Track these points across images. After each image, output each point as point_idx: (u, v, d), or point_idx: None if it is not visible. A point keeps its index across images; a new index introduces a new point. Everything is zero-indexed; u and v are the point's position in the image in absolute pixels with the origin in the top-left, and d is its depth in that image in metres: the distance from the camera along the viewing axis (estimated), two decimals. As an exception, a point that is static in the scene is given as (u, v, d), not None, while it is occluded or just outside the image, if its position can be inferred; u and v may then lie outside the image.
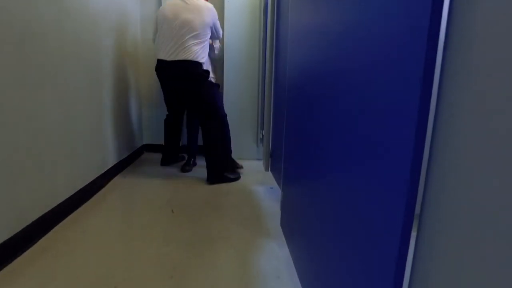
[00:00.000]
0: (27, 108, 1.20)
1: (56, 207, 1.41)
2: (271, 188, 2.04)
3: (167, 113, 2.38)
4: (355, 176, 0.62)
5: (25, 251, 1.19)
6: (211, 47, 2.37)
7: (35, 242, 1.25)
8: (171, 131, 2.39)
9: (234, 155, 2.77)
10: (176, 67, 2.03)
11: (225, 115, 2.24)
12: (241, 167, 2.44)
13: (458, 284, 0.37)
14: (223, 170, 2.12)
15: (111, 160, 2.10)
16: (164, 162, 2.49)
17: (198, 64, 2.05)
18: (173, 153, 2.49)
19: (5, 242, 1.09)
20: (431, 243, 0.43)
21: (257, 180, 2.19)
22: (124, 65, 2.35)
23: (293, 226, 1.21)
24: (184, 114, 2.46)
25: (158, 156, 2.74)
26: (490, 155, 0.33)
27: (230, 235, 1.40)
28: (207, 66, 2.36)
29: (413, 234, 0.45)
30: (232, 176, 2.16)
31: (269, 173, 2.31)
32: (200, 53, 2.05)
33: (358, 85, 0.61)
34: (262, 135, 2.29)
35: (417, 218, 0.45)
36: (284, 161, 1.40)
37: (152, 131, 2.91)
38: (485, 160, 0.34)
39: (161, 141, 2.95)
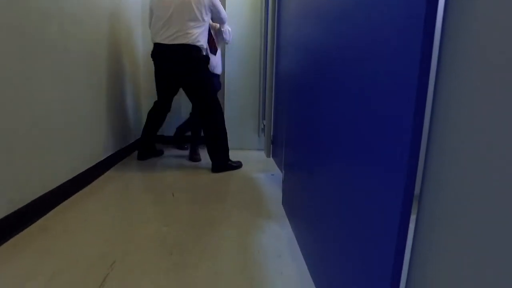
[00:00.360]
0: (28, 91, 1.19)
1: (55, 189, 1.40)
2: (272, 175, 2.02)
3: (156, 102, 2.23)
4: (354, 157, 0.61)
5: (23, 229, 1.17)
6: (220, 31, 2.29)
7: (34, 222, 1.24)
8: (153, 122, 2.22)
9: (235, 146, 2.77)
10: (175, 51, 1.97)
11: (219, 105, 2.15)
12: None
13: (459, 267, 0.36)
14: (228, 158, 2.10)
15: (112, 148, 2.09)
16: (141, 156, 2.30)
17: (198, 49, 1.99)
18: (151, 145, 2.33)
19: (2, 220, 1.08)
20: (430, 226, 0.41)
21: (259, 168, 2.17)
22: (124, 55, 2.34)
23: (294, 203, 1.21)
24: (170, 105, 2.27)
25: (158, 146, 2.73)
26: (490, 136, 0.32)
27: (231, 217, 1.38)
28: (218, 57, 2.30)
29: (413, 217, 0.44)
30: (235, 164, 2.14)
31: (270, 162, 2.30)
32: (200, 37, 1.98)
33: (356, 69, 0.60)
34: (264, 125, 2.30)
35: (416, 199, 0.44)
36: (286, 140, 1.38)
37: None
38: (485, 141, 0.32)
39: (161, 132, 2.94)
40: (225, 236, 1.20)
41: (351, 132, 0.62)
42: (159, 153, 2.48)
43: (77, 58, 1.58)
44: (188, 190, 1.71)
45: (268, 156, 2.00)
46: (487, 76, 0.32)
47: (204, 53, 2.06)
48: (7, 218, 1.10)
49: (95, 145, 1.83)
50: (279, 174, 2.00)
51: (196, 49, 1.98)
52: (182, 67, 2.01)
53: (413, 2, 0.41)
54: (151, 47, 2.08)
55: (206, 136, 2.06)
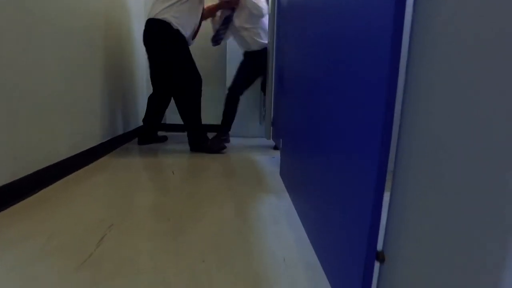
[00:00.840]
0: (30, 65, 1.21)
1: (57, 163, 1.42)
2: (273, 157, 2.03)
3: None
4: (337, 135, 0.64)
5: (25, 198, 1.19)
6: (244, 6, 2.17)
7: (36, 192, 1.26)
8: (152, 107, 2.21)
9: (238, 133, 2.78)
10: (145, 30, 1.95)
11: (198, 84, 2.06)
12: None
13: (430, 238, 0.37)
14: (203, 139, 2.10)
15: (114, 132, 2.11)
16: (141, 141, 2.29)
17: (161, 23, 1.87)
18: (149, 132, 2.30)
19: (4, 186, 1.10)
20: (403, 197, 0.43)
21: (260, 152, 2.18)
22: (129, 40, 2.36)
23: (290, 172, 1.23)
24: (167, 93, 2.20)
25: (161, 134, 2.75)
26: (459, 114, 0.33)
27: (230, 190, 1.38)
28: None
29: (387, 193, 0.46)
30: (214, 147, 2.09)
31: (271, 147, 2.30)
32: (166, 11, 1.86)
33: (339, 62, 0.64)
34: (265, 112, 2.30)
35: (390, 174, 0.45)
36: (284, 115, 1.39)
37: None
38: (454, 118, 0.34)
39: (164, 120, 2.96)
40: (223, 205, 1.21)
41: (335, 115, 0.66)
42: (162, 139, 2.48)
43: (79, 37, 1.60)
44: (188, 169, 1.72)
45: (268, 138, 2.01)
46: (452, 65, 0.34)
47: (177, 28, 1.91)
48: (10, 185, 1.12)
49: (96, 126, 1.85)
50: (279, 157, 2.00)
51: (159, 23, 1.88)
52: (147, 44, 1.98)
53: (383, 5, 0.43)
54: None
55: (180, 116, 2.07)
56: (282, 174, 1.47)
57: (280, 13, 1.70)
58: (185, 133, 2.16)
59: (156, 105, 2.20)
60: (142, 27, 2.70)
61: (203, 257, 0.84)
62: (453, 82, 0.33)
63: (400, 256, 0.42)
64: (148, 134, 2.30)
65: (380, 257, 0.43)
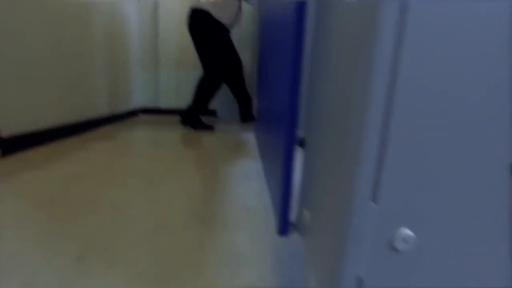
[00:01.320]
0: (19, 33, 1.24)
1: (41, 130, 1.45)
2: (261, 133, 2.03)
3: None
4: (274, 92, 0.77)
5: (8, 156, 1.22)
6: None
7: (14, 154, 1.29)
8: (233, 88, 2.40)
9: (233, 118, 2.79)
10: (188, 18, 2.09)
11: (223, 71, 2.17)
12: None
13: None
14: (197, 117, 2.17)
15: (104, 110, 2.14)
16: (246, 119, 2.50)
17: (203, 13, 2.02)
18: (249, 108, 2.50)
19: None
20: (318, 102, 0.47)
21: (249, 131, 2.19)
22: (122, 21, 2.39)
23: (259, 128, 1.27)
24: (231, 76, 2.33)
25: (154, 118, 2.77)
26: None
27: (210, 155, 1.40)
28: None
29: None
30: (203, 125, 2.17)
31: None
32: (204, 1, 2.01)
33: (275, 48, 0.79)
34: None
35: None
36: (257, 87, 1.42)
37: (150, 94, 2.96)
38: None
39: (157, 104, 2.98)
40: (199, 166, 1.22)
41: (273, 80, 0.82)
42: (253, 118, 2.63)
43: (67, 16, 1.63)
44: (174, 141, 1.74)
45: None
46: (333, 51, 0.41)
47: (216, 18, 2.04)
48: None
49: (86, 101, 1.88)
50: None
51: (200, 13, 2.03)
52: (190, 31, 2.13)
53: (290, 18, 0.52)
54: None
55: (195, 91, 2.16)
56: (255, 130, 1.62)
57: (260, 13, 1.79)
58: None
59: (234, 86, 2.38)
60: (135, 9, 2.77)
61: (165, 201, 0.86)
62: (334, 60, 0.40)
63: (317, 140, 0.43)
64: (248, 111, 2.48)
65: (302, 142, 0.46)
